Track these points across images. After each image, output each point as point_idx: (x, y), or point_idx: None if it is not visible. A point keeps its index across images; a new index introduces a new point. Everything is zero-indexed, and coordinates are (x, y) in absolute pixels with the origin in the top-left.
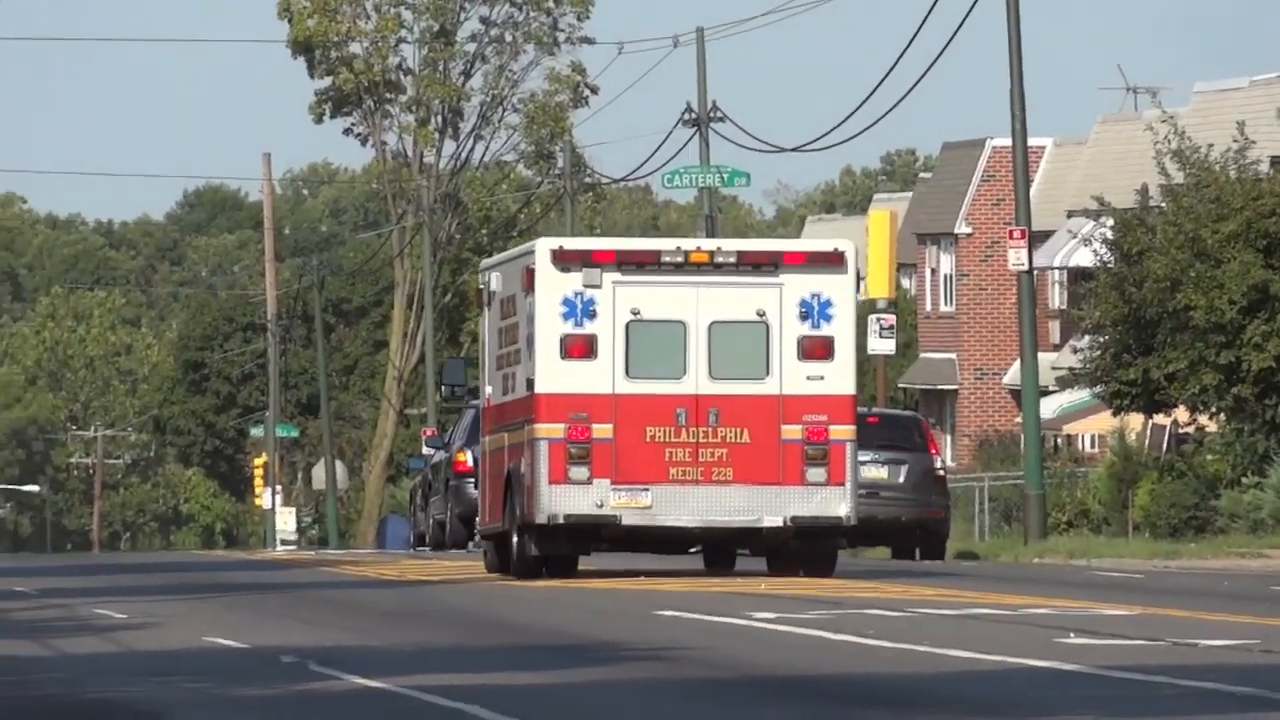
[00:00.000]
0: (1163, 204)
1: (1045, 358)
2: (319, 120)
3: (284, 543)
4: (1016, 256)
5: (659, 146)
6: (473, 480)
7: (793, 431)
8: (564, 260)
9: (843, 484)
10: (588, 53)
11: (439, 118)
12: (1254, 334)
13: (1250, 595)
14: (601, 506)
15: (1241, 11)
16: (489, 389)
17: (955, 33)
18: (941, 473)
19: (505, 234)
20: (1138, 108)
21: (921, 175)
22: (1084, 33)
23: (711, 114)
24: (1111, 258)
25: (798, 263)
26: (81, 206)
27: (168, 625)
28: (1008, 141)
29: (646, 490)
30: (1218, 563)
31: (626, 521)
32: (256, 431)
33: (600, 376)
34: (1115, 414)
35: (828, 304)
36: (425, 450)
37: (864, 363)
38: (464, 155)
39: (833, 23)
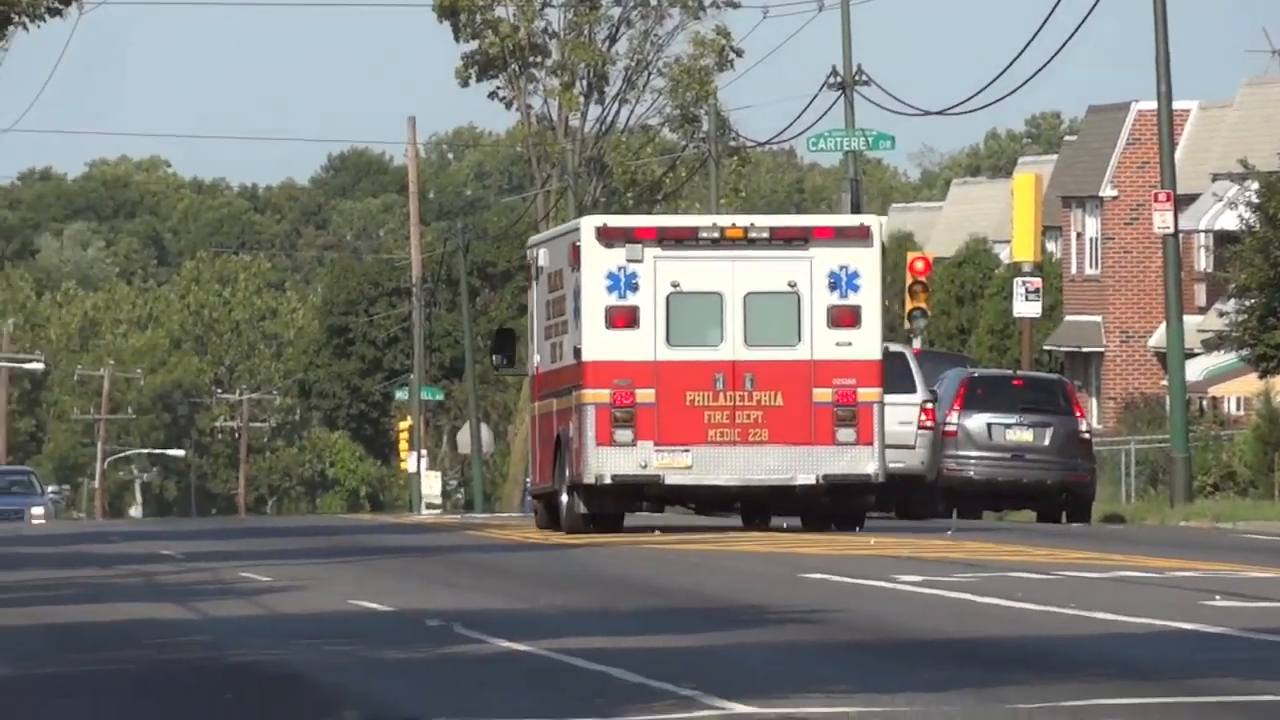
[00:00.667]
0: None
1: (1191, 320)
2: (464, 84)
3: (429, 506)
4: (1161, 219)
5: (804, 110)
6: None
7: (823, 394)
8: (608, 237)
9: (871, 443)
10: (732, 16)
11: (584, 81)
12: None
13: None
14: (645, 467)
15: None
16: (538, 357)
17: None
18: (1087, 436)
19: (650, 198)
20: None
21: (1066, 138)
22: None
23: (856, 77)
24: (1256, 221)
25: (826, 237)
26: (226, 171)
27: (313, 588)
28: (1152, 105)
29: (687, 451)
30: None
31: (669, 481)
32: (401, 395)
33: (643, 345)
34: (1261, 377)
35: (855, 275)
36: None
37: (1009, 326)
38: (609, 119)
39: None
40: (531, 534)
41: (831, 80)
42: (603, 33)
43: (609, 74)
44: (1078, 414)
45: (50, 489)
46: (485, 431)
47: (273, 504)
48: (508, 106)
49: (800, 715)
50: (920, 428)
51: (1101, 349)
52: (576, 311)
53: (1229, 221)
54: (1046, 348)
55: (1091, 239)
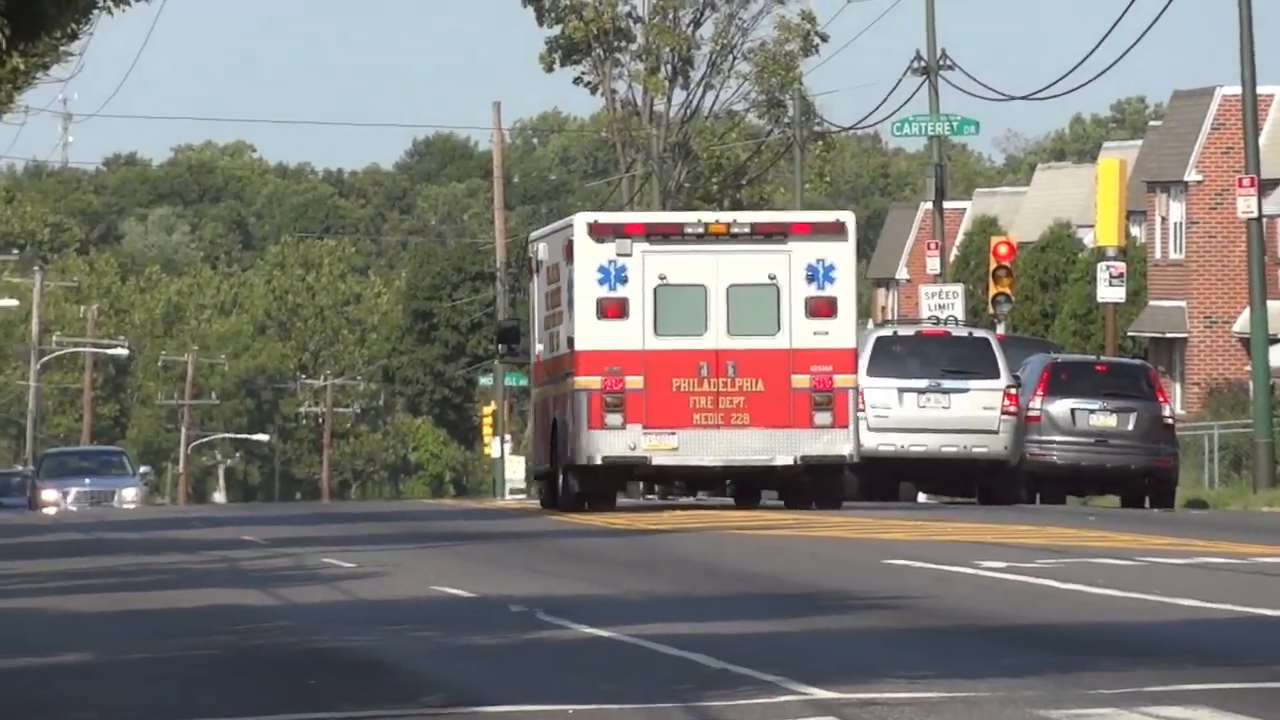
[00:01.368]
0: None
1: (1275, 305)
2: (549, 69)
3: (513, 491)
4: (1246, 204)
5: (888, 95)
6: None
7: (801, 380)
8: (599, 232)
9: (846, 426)
10: (817, 1)
11: (669, 66)
12: None
13: None
14: (634, 449)
15: None
16: (539, 347)
17: None
18: (1170, 421)
19: (735, 182)
20: None
21: (1151, 123)
22: None
23: (941, 62)
24: None
25: (803, 232)
26: (310, 155)
27: (396, 574)
28: (1237, 90)
29: (673, 434)
30: None
31: (656, 462)
32: (485, 380)
33: (632, 334)
34: None
35: (831, 268)
36: None
37: (1093, 310)
38: (694, 104)
39: None
40: (615, 519)
41: (916, 65)
42: (687, 17)
43: (694, 59)
44: (1161, 399)
45: (142, 469)
46: None
47: (356, 489)
48: (592, 91)
49: (882, 700)
50: (1004, 413)
51: (1185, 334)
52: (570, 303)
53: None
54: (1130, 333)
55: (1176, 224)
